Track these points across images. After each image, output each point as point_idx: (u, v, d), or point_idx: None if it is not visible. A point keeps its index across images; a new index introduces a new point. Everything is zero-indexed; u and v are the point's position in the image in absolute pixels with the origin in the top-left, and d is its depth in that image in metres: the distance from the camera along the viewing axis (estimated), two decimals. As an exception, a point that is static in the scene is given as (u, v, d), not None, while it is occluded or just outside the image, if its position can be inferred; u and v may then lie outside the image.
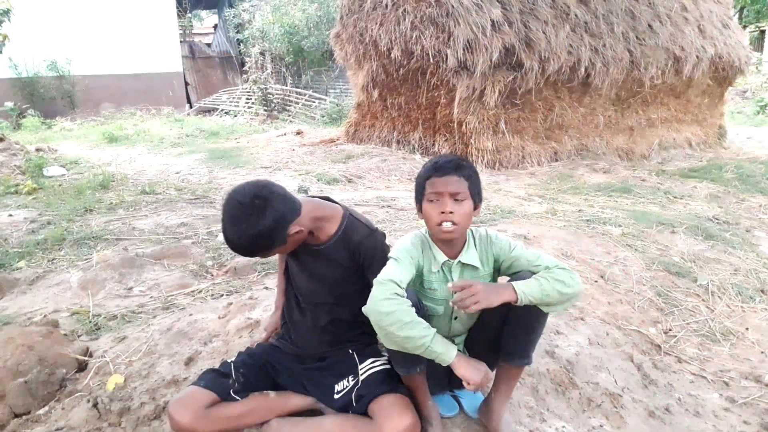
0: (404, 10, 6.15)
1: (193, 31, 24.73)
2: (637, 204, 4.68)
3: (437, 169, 1.63)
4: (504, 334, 1.67)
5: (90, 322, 2.43)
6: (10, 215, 4.29)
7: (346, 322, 1.79)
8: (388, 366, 1.72)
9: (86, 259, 3.22)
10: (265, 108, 12.69)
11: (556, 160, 6.39)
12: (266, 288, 2.75)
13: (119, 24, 14.35)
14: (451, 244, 1.67)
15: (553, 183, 5.49)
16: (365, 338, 1.81)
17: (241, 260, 3.20)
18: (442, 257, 1.67)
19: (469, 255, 1.68)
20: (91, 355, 2.14)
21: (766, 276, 3.32)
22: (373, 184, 5.73)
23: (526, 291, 1.52)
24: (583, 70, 5.95)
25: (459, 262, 1.67)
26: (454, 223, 1.58)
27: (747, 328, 2.71)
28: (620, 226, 3.92)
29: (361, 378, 1.71)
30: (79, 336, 2.31)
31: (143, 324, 2.37)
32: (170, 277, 3.01)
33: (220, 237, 3.68)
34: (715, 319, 2.77)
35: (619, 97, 6.67)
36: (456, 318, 1.72)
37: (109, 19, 14.28)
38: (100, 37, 14.21)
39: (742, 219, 4.44)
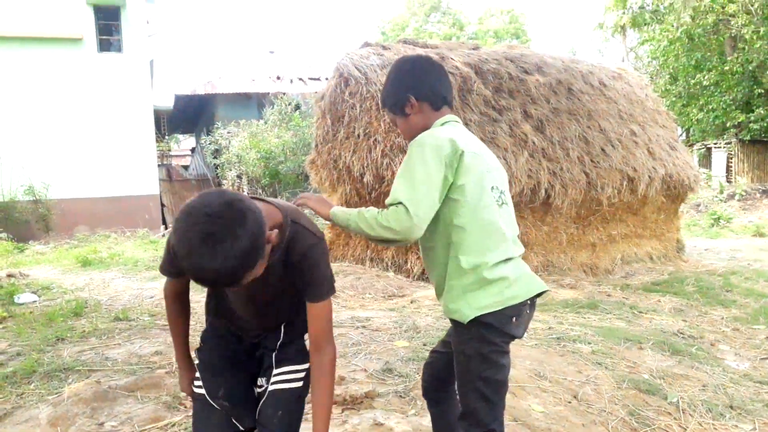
0: (375, 140, 6.58)
1: (170, 153, 25.45)
2: (605, 320, 4.82)
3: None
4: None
5: (59, 463, 2.37)
6: (-22, 347, 4.20)
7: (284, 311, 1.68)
8: (300, 384, 1.64)
9: (57, 393, 3.15)
10: (241, 228, 12.88)
11: (525, 277, 6.58)
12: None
13: (98, 148, 14.84)
14: None
15: (523, 300, 5.63)
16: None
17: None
18: None
19: None
20: (59, 500, 2.07)
21: (733, 391, 3.40)
22: (347, 303, 5.78)
23: (337, 214, 1.69)
24: (543, 191, 6.33)
25: None
26: (405, 137, 1.78)
27: (718, 447, 2.76)
28: (590, 343, 4.02)
29: (270, 387, 1.61)
30: (47, 479, 2.24)
31: (115, 463, 2.32)
32: (143, 410, 2.96)
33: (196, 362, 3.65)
34: (686, 438, 2.81)
35: (580, 215, 7.05)
36: None
37: (89, 144, 14.78)
38: (78, 161, 14.61)
39: (706, 332, 4.59)
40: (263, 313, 1.64)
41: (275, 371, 1.62)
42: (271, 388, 1.60)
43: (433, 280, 1.78)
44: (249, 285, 1.38)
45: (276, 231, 1.35)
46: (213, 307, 1.75)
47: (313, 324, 1.55)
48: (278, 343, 1.67)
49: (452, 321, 1.70)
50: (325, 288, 1.53)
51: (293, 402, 1.63)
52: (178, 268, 1.56)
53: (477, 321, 1.61)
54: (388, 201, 1.60)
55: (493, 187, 1.70)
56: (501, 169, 1.81)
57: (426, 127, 1.74)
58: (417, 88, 1.78)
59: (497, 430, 1.66)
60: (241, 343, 1.73)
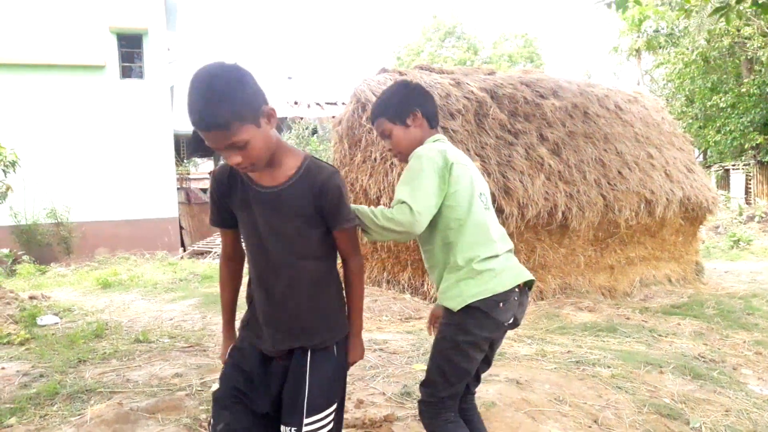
0: (392, 163, 6.65)
1: (189, 176, 25.80)
2: (624, 343, 4.78)
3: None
4: None
5: (83, 483, 2.40)
6: (3, 368, 4.27)
7: (305, 300, 1.70)
8: (331, 426, 1.68)
9: (79, 415, 3.20)
10: (258, 250, 12.98)
11: (542, 299, 6.55)
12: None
13: (119, 172, 15.10)
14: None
15: (540, 322, 5.60)
16: (323, 331, 1.73)
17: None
18: None
19: None
20: None
21: (757, 417, 3.35)
22: (364, 326, 5.77)
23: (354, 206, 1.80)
24: (560, 214, 6.32)
25: None
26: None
27: (743, 474, 2.71)
28: (609, 367, 3.99)
29: None
30: (71, 499, 2.27)
31: (138, 484, 2.35)
32: (164, 432, 2.99)
33: (214, 388, 3.69)
34: (710, 464, 2.77)
35: (597, 238, 7.02)
36: None
37: (110, 168, 15.05)
38: (99, 184, 14.87)
39: (727, 356, 4.52)
40: (285, 264, 1.66)
41: (306, 420, 1.63)
42: None
43: (433, 278, 1.99)
44: (267, 213, 1.60)
45: (274, 114, 1.53)
46: (248, 304, 1.81)
47: (341, 244, 1.76)
48: (306, 383, 1.66)
49: (444, 308, 1.91)
50: (348, 213, 1.69)
51: None
52: (221, 213, 1.74)
53: (467, 307, 1.82)
54: (393, 203, 1.82)
55: (480, 194, 1.95)
56: (483, 178, 2.08)
57: (421, 141, 2.00)
58: (423, 105, 2.03)
59: (447, 403, 1.90)
60: (267, 366, 1.74)
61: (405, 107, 2.00)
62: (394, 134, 2.01)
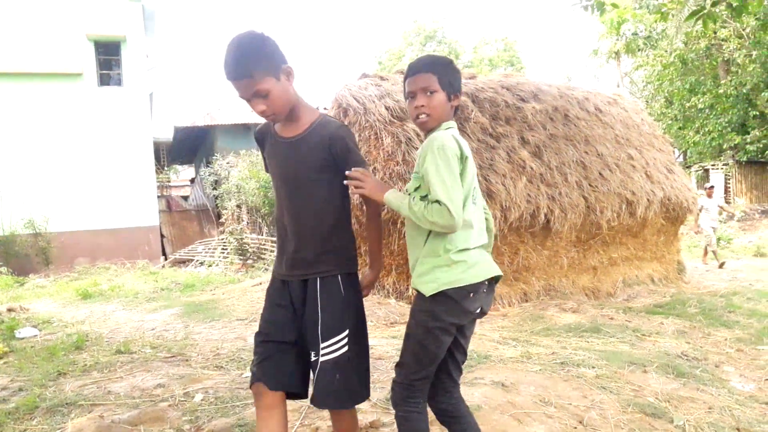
0: (374, 168, 6.64)
1: (170, 184, 25.54)
2: (608, 344, 4.81)
3: (409, 68, 2.02)
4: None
5: (62, 499, 2.34)
6: (-20, 383, 4.18)
7: (311, 236, 1.97)
8: (345, 349, 1.93)
9: (59, 429, 3.13)
10: (240, 257, 12.90)
11: (526, 301, 6.58)
12: (246, 452, 2.70)
13: (98, 181, 14.90)
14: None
15: (525, 324, 5.62)
16: (323, 264, 1.98)
17: (218, 423, 3.15)
18: None
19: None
20: None
21: (739, 413, 3.38)
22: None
23: (391, 201, 1.92)
24: (542, 216, 6.36)
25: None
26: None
27: (726, 471, 2.73)
28: (594, 367, 4.01)
29: (321, 359, 1.90)
30: None
31: (119, 499, 2.30)
32: (146, 445, 2.94)
33: (197, 398, 3.64)
34: (694, 462, 2.79)
35: (580, 239, 7.06)
36: None
37: (89, 176, 14.85)
38: (78, 193, 14.66)
39: (710, 354, 4.57)
40: (298, 204, 1.95)
41: (322, 345, 1.91)
42: (322, 359, 1.91)
43: (411, 259, 2.04)
44: (290, 157, 1.92)
45: (293, 72, 1.86)
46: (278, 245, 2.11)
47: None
48: (319, 309, 1.94)
49: (417, 294, 1.98)
50: (358, 159, 1.94)
51: (345, 363, 1.93)
52: (266, 162, 2.10)
53: (439, 294, 1.89)
54: (430, 197, 1.86)
55: (474, 188, 2.01)
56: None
57: (445, 120, 2.02)
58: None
59: (417, 386, 1.98)
60: (290, 308, 2.00)
61: (458, 84, 2.06)
62: (437, 98, 1.98)
